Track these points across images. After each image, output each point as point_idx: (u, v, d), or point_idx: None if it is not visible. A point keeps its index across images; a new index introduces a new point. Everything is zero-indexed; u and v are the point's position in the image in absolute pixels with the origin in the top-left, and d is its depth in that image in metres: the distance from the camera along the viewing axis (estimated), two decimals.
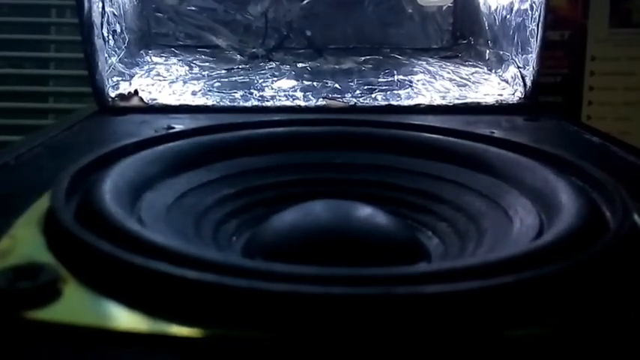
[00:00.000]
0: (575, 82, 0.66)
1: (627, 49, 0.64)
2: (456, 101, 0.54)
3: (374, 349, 0.18)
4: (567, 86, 0.66)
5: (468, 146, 0.34)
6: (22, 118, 0.91)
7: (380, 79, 0.60)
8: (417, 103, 0.53)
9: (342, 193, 0.31)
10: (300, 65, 0.65)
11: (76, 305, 0.19)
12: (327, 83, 0.58)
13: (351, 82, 0.59)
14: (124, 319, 0.18)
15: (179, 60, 0.65)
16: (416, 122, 0.39)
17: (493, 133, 0.38)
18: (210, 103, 0.53)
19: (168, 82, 0.57)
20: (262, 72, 0.62)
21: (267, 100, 0.54)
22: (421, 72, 0.62)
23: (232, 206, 0.31)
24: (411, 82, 0.59)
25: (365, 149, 0.35)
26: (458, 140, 0.34)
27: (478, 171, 0.32)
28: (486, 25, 0.63)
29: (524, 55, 0.54)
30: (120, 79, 0.54)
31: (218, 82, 0.58)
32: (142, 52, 0.65)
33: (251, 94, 0.55)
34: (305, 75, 0.61)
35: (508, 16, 0.58)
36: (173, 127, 0.40)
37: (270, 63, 0.66)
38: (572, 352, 0.18)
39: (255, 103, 0.53)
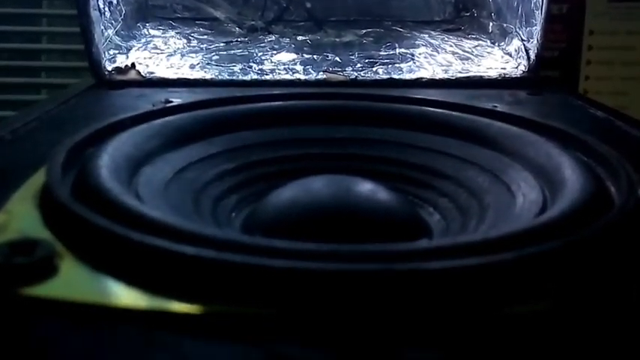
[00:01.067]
0: (572, 56, 0.65)
1: (625, 23, 0.63)
2: (459, 75, 0.53)
3: (374, 324, 0.18)
4: (565, 60, 0.66)
5: (470, 120, 0.33)
6: (14, 94, 0.91)
7: (381, 53, 0.59)
8: (418, 76, 0.53)
9: (343, 168, 0.31)
10: (299, 38, 0.64)
11: (72, 281, 0.19)
12: (327, 56, 0.57)
13: (352, 55, 0.58)
14: (122, 295, 0.18)
15: (177, 33, 0.64)
16: (418, 96, 0.38)
17: (496, 107, 0.37)
18: (208, 76, 0.52)
19: (165, 56, 0.57)
20: (261, 45, 0.61)
21: (267, 74, 0.53)
22: (423, 45, 0.61)
23: (232, 181, 0.30)
24: (412, 55, 0.58)
25: (366, 124, 0.34)
26: (460, 114, 0.34)
27: (481, 145, 0.31)
28: None
29: (528, 28, 0.53)
30: (117, 52, 0.53)
31: (216, 55, 0.57)
32: (139, 24, 0.64)
33: (250, 67, 0.54)
34: (305, 48, 0.60)
35: None
36: (171, 101, 0.39)
37: (270, 36, 0.65)
38: (573, 328, 0.18)
39: (255, 76, 0.53)
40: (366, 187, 0.27)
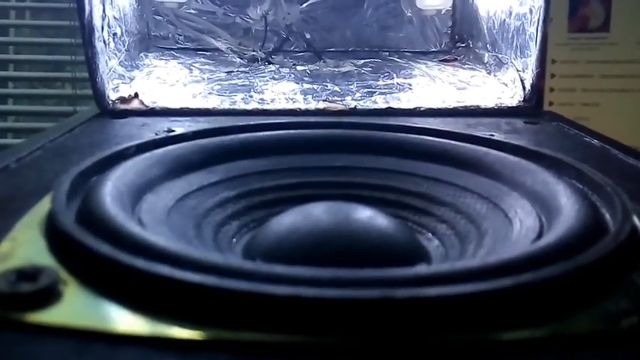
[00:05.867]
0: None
1: (585, 53, 0.67)
2: (456, 104, 0.54)
3: (374, 350, 0.18)
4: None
5: (468, 149, 0.34)
6: None
7: (379, 82, 0.60)
8: (416, 105, 0.53)
9: (343, 196, 0.31)
10: (299, 68, 0.65)
11: (76, 308, 0.19)
12: (326, 86, 0.58)
13: (351, 85, 0.59)
14: (125, 321, 0.19)
15: (179, 63, 0.65)
16: (416, 125, 0.38)
17: (493, 135, 0.38)
18: (210, 105, 0.53)
19: (168, 85, 0.57)
20: (262, 75, 0.62)
21: (267, 103, 0.54)
22: (420, 75, 0.62)
23: (233, 208, 0.31)
24: (410, 85, 0.59)
25: (365, 152, 0.35)
26: (458, 143, 0.34)
27: (478, 173, 0.32)
28: (485, 28, 0.63)
29: (523, 59, 0.54)
30: (120, 81, 0.54)
31: (218, 84, 0.58)
32: (141, 55, 0.65)
33: (251, 96, 0.55)
34: (305, 78, 0.61)
35: (507, 20, 0.58)
36: (173, 130, 0.40)
37: (270, 66, 0.66)
38: (570, 355, 0.18)
39: (256, 105, 0.53)
40: (365, 213, 0.27)
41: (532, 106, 0.53)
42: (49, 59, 1.00)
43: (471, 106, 0.53)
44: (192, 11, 0.71)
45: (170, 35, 0.71)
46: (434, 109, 0.53)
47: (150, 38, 0.70)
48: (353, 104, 0.53)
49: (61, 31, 0.97)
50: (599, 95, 0.66)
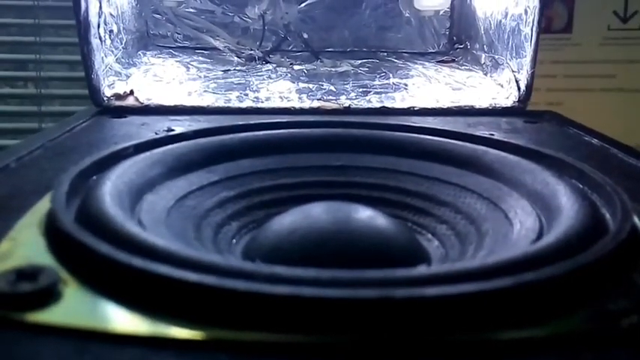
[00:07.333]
0: None
1: (549, 54, 0.69)
2: (450, 104, 0.54)
3: (373, 351, 0.18)
4: None
5: (467, 148, 0.34)
6: None
7: (375, 82, 0.60)
8: (410, 105, 0.53)
9: (342, 196, 0.31)
10: (296, 68, 0.65)
11: (76, 307, 0.19)
12: (322, 85, 0.58)
13: (347, 84, 0.59)
14: (124, 321, 0.18)
15: (177, 61, 0.65)
16: (416, 124, 0.38)
17: (493, 135, 0.38)
18: (204, 103, 0.53)
19: (164, 83, 0.57)
20: (259, 74, 0.62)
21: (262, 102, 0.54)
22: (417, 75, 0.62)
23: (233, 209, 0.31)
24: (406, 85, 0.59)
25: (365, 151, 0.35)
26: (458, 142, 0.34)
27: (478, 173, 0.32)
28: (482, 29, 0.64)
29: (518, 60, 0.54)
30: (116, 78, 0.54)
31: (214, 83, 0.58)
32: (139, 52, 0.65)
33: (246, 95, 0.55)
34: (301, 77, 0.61)
35: (503, 21, 0.58)
36: (173, 130, 0.40)
37: (267, 65, 0.66)
38: (569, 354, 0.18)
39: (250, 104, 0.53)
40: (365, 213, 0.27)
41: (526, 107, 0.53)
42: (11, 58, 0.98)
43: (465, 106, 0.53)
44: (191, 10, 0.71)
45: (169, 34, 0.70)
46: (428, 108, 0.53)
47: (149, 37, 0.70)
48: (347, 103, 0.53)
49: (25, 30, 0.95)
50: (563, 95, 0.68)
